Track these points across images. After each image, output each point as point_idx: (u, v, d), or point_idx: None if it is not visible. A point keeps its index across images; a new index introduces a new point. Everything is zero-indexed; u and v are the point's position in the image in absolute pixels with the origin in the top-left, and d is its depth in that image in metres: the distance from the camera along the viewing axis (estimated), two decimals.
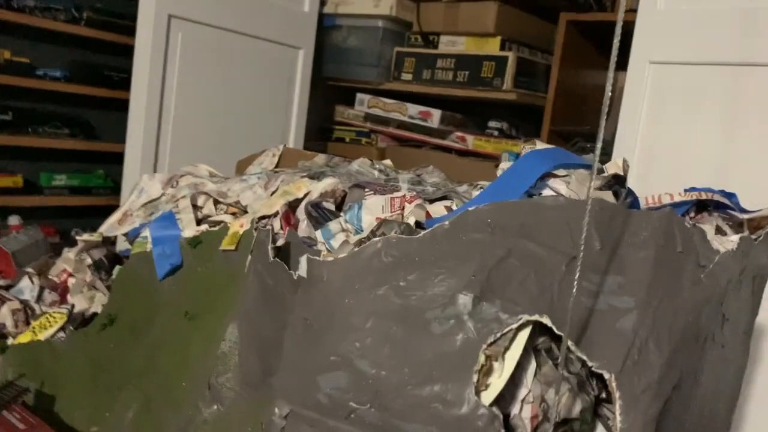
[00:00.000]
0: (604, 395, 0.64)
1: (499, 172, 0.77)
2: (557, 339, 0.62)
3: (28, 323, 1.24)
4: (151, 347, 1.08)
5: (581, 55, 2.36)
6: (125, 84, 2.09)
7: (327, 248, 1.01)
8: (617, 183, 0.76)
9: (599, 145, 0.52)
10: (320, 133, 2.73)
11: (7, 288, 1.33)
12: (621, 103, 1.87)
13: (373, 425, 0.56)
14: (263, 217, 1.15)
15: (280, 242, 1.01)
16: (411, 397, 0.57)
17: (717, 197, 0.83)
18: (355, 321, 0.62)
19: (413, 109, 2.48)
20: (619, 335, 0.60)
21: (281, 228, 1.12)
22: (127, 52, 2.06)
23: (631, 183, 0.85)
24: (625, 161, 0.77)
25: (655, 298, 0.62)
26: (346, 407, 0.58)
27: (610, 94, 0.56)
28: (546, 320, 0.59)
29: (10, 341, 1.17)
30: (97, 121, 2.36)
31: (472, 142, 2.45)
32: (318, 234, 1.06)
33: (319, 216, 1.10)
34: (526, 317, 0.59)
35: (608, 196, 0.72)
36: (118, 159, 2.11)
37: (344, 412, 0.58)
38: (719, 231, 0.82)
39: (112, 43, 2.24)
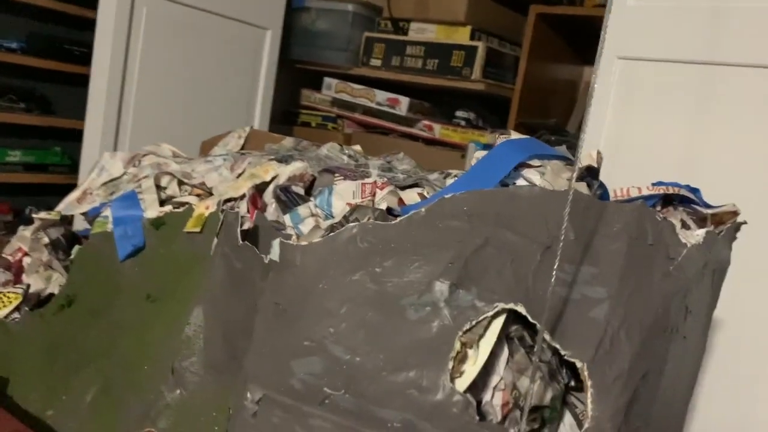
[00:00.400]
0: (573, 383, 0.65)
1: (473, 161, 0.77)
2: (529, 327, 0.62)
3: None
4: (112, 329, 1.06)
5: (550, 48, 2.38)
6: (85, 59, 2.03)
7: (296, 233, 1.00)
8: (590, 175, 0.76)
9: (584, 136, 0.52)
10: (286, 116, 2.70)
11: None
12: (586, 97, 1.89)
13: (347, 411, 0.56)
14: (229, 200, 1.13)
15: (247, 225, 0.99)
16: (386, 383, 0.56)
17: (683, 192, 0.85)
18: (330, 306, 0.62)
19: (381, 95, 2.47)
20: (592, 324, 0.60)
21: (248, 211, 1.10)
22: (89, 25, 1.99)
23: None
24: (599, 153, 0.78)
25: (626, 289, 0.62)
26: (320, 393, 0.57)
27: (596, 87, 0.56)
28: (521, 309, 0.59)
29: None
30: (55, 95, 2.28)
31: (439, 130, 2.46)
32: (287, 218, 1.05)
33: (288, 200, 1.09)
34: (501, 305, 0.59)
35: (582, 187, 0.73)
36: (76, 136, 2.05)
37: (318, 397, 0.57)
38: (684, 225, 0.84)
39: (73, 16, 2.16)
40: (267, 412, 0.59)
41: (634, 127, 1.65)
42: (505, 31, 2.47)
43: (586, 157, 0.77)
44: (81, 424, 0.98)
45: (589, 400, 0.58)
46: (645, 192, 0.84)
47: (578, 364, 0.59)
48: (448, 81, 2.35)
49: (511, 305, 0.59)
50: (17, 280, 1.27)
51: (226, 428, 0.75)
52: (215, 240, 1.00)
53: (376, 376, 0.57)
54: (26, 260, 1.28)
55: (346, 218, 0.83)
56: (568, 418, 0.66)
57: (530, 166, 0.77)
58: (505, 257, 0.61)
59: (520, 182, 0.75)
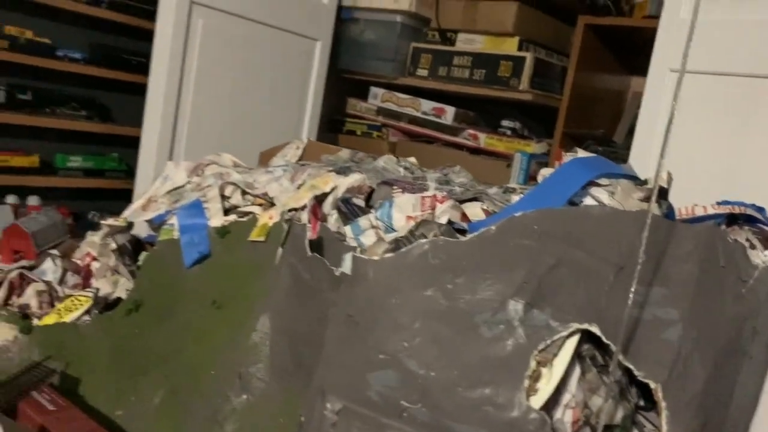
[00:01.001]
0: (642, 403, 0.65)
1: (539, 178, 0.78)
2: (601, 347, 0.63)
3: (52, 305, 1.25)
4: (177, 334, 1.09)
5: (597, 58, 2.37)
6: (143, 68, 2.09)
7: (357, 244, 1.03)
8: (659, 195, 0.77)
9: (663, 160, 0.54)
10: (332, 124, 2.74)
11: (31, 269, 1.34)
12: (634, 107, 1.87)
13: (425, 424, 0.58)
14: (291, 210, 1.16)
15: (308, 236, 1.02)
16: (461, 398, 0.58)
17: (749, 211, 0.85)
18: (403, 320, 0.64)
19: (427, 104, 2.49)
20: (665, 346, 0.61)
21: (309, 222, 1.13)
22: (147, 36, 2.06)
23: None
24: (669, 174, 0.79)
25: (699, 311, 0.63)
26: (397, 405, 0.59)
27: (675, 104, 0.57)
28: (595, 329, 0.60)
29: (35, 322, 1.18)
30: (114, 104, 2.36)
31: (484, 140, 2.46)
32: (347, 229, 1.07)
33: (349, 211, 1.11)
34: (576, 325, 0.60)
35: (652, 207, 0.74)
36: (133, 143, 2.11)
37: (396, 410, 0.59)
38: (750, 244, 0.84)
39: (133, 27, 2.23)
40: (346, 423, 0.61)
41: (685, 140, 1.64)
42: (552, 41, 2.47)
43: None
44: (149, 425, 1.01)
45: (663, 422, 0.59)
46: (710, 211, 0.85)
47: (652, 385, 0.60)
48: (495, 91, 2.35)
49: (585, 325, 0.60)
50: (85, 283, 1.33)
51: None
52: (280, 250, 1.04)
53: (452, 391, 0.59)
54: (94, 265, 1.34)
55: (412, 233, 0.85)
56: None
57: (598, 185, 0.78)
58: (578, 277, 0.63)
59: (588, 201, 0.76)
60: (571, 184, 0.75)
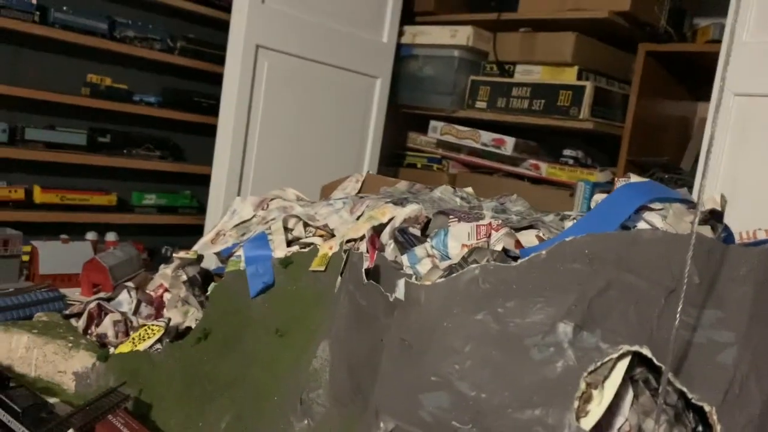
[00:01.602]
0: (701, 429, 0.64)
1: (593, 204, 0.79)
2: (655, 370, 0.63)
3: (127, 334, 1.32)
4: (243, 361, 1.13)
5: (659, 85, 2.34)
6: (213, 110, 2.20)
7: (413, 272, 1.05)
8: (714, 218, 0.76)
9: (704, 182, 0.54)
10: (392, 158, 2.79)
11: (108, 300, 1.42)
12: (700, 134, 1.83)
13: None
14: (350, 240, 1.20)
15: (366, 265, 1.05)
16: (512, 419, 0.59)
17: None
18: (455, 344, 0.65)
19: (486, 136, 2.51)
20: (720, 369, 0.60)
21: (367, 251, 1.16)
22: (216, 79, 2.18)
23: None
24: (722, 196, 0.78)
25: (755, 334, 0.62)
26: (448, 426, 0.61)
27: (714, 128, 0.58)
28: (646, 351, 0.60)
29: (111, 350, 1.25)
30: (186, 144, 2.49)
31: (545, 169, 2.46)
32: (404, 258, 1.10)
33: (405, 241, 1.14)
34: (626, 347, 0.60)
35: (706, 230, 0.73)
36: (203, 180, 2.22)
37: (447, 430, 0.61)
38: None
39: (203, 71, 2.37)
40: None
41: (752, 165, 1.59)
42: (612, 69, 2.45)
43: (709, 200, 0.77)
44: None
45: None
46: None
47: (706, 408, 0.59)
48: (555, 120, 2.35)
49: (636, 347, 0.60)
50: (158, 313, 1.40)
51: None
52: (339, 278, 1.07)
53: (502, 412, 0.60)
54: (166, 296, 1.41)
55: (465, 259, 0.87)
56: None
57: (651, 209, 0.78)
58: (629, 300, 0.63)
59: (641, 225, 0.76)
60: (623, 209, 0.75)
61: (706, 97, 1.95)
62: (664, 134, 2.40)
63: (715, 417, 0.58)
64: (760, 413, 0.59)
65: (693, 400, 0.60)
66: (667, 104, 2.40)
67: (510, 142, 2.48)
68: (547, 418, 0.58)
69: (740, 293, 0.64)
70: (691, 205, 0.77)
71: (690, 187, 1.76)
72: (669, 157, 2.35)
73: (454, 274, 0.70)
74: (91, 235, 1.96)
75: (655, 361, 0.60)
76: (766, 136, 1.61)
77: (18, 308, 1.36)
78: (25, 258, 1.71)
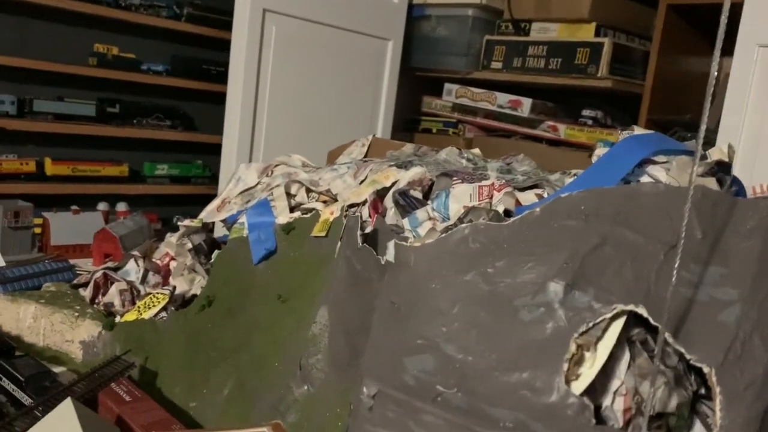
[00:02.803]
0: (703, 391, 0.61)
1: (594, 159, 0.75)
2: (653, 330, 0.59)
3: (133, 303, 1.32)
4: (246, 328, 1.12)
5: (682, 40, 2.25)
6: (222, 77, 2.18)
7: (414, 236, 1.02)
8: (721, 170, 0.72)
9: (703, 127, 0.50)
10: (407, 123, 2.74)
11: (116, 270, 1.42)
12: (725, 90, 1.76)
13: (459, 409, 0.56)
14: (352, 205, 1.17)
15: (368, 229, 1.03)
16: (498, 382, 0.56)
17: None
18: (442, 306, 0.63)
19: (502, 98, 2.45)
20: (721, 328, 0.57)
21: (369, 216, 1.13)
22: (225, 46, 2.14)
23: (736, 173, 0.80)
24: (730, 147, 0.73)
25: (761, 291, 0.58)
26: (432, 390, 0.58)
27: (715, 74, 0.54)
28: (642, 310, 0.57)
29: (117, 319, 1.25)
30: (196, 113, 2.47)
31: (564, 131, 2.39)
32: (405, 222, 1.07)
33: (407, 204, 1.11)
34: (620, 307, 0.57)
35: (711, 183, 0.69)
36: (215, 150, 2.21)
37: (431, 394, 0.58)
38: None
39: (210, 38, 2.33)
40: (382, 407, 0.61)
41: None
42: (632, 25, 2.36)
43: (715, 151, 0.73)
44: (219, 416, 1.05)
45: (717, 408, 0.54)
46: None
47: (705, 370, 0.56)
48: (573, 80, 2.28)
49: (630, 307, 0.57)
50: (165, 282, 1.39)
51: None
52: (339, 243, 1.05)
53: (489, 375, 0.57)
54: (173, 264, 1.40)
55: (460, 220, 0.84)
56: (698, 427, 0.62)
57: (655, 163, 0.73)
58: (624, 257, 0.59)
59: (644, 179, 0.72)
60: (625, 163, 0.71)
61: (732, 52, 1.87)
62: (687, 92, 2.31)
63: (714, 379, 0.55)
64: (764, 374, 0.55)
65: (691, 362, 0.57)
66: (689, 60, 2.31)
67: (527, 103, 2.41)
68: (535, 381, 0.55)
69: (746, 248, 0.60)
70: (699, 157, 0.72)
71: (713, 145, 1.69)
72: (692, 115, 2.26)
73: (443, 235, 0.67)
74: (102, 206, 1.97)
75: (651, 320, 0.57)
76: None
77: (26, 278, 1.36)
78: (38, 230, 1.72)
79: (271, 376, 1.02)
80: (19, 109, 1.95)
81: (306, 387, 0.95)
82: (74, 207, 1.76)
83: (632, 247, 0.60)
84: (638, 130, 0.78)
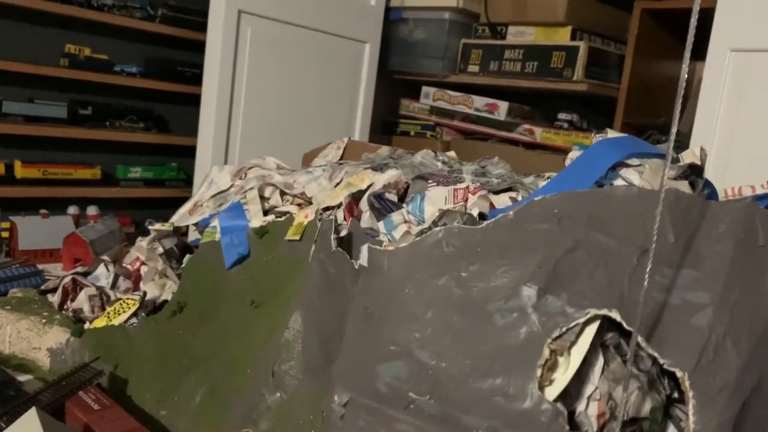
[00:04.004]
0: (676, 395, 0.61)
1: (567, 162, 0.74)
2: (627, 335, 0.59)
3: (103, 309, 1.29)
4: (218, 334, 1.11)
5: (657, 44, 2.27)
6: (197, 79, 2.15)
7: (389, 239, 1.01)
8: (694, 173, 0.72)
9: (674, 129, 0.50)
10: (385, 126, 2.74)
11: (85, 275, 1.39)
12: (699, 95, 1.78)
13: (432, 416, 0.55)
14: (327, 208, 1.16)
15: (343, 233, 1.01)
16: (472, 389, 0.56)
17: None
18: (416, 311, 0.62)
19: (479, 101, 2.45)
20: (693, 332, 0.57)
21: (344, 219, 1.12)
22: (199, 47, 2.12)
23: (709, 176, 0.80)
24: (702, 150, 0.73)
25: (733, 294, 0.58)
26: (405, 397, 0.57)
27: (686, 77, 0.53)
28: (615, 315, 0.56)
29: (87, 325, 1.22)
30: (170, 115, 2.44)
31: (540, 134, 2.40)
32: (380, 225, 1.06)
33: (382, 207, 1.10)
34: (594, 311, 0.56)
35: (684, 186, 0.69)
36: (190, 152, 2.17)
37: (403, 402, 0.57)
38: None
39: (185, 39, 2.30)
40: (353, 416, 0.60)
41: (749, 122, 1.54)
42: (608, 29, 2.38)
43: (688, 154, 0.73)
44: (191, 424, 1.03)
45: (690, 412, 0.54)
46: (759, 191, 0.78)
47: (678, 374, 0.56)
48: (549, 83, 2.29)
49: (604, 311, 0.56)
50: (136, 287, 1.36)
51: None
52: (313, 247, 1.03)
53: (462, 382, 0.56)
54: (143, 269, 1.37)
55: (435, 223, 0.83)
56: (672, 431, 0.62)
57: (628, 166, 0.73)
58: (598, 261, 0.59)
59: (618, 182, 0.72)
60: (598, 166, 0.71)
61: (705, 57, 1.89)
62: (662, 95, 2.33)
63: (687, 383, 0.55)
64: (736, 378, 0.55)
65: (664, 366, 0.57)
66: (664, 64, 2.33)
67: (503, 106, 2.42)
68: (508, 387, 0.55)
69: (718, 251, 0.60)
70: (671, 160, 0.72)
71: (687, 148, 1.71)
72: (667, 118, 2.28)
73: (417, 239, 0.66)
74: (72, 210, 1.93)
75: (624, 325, 0.57)
76: (764, 92, 1.55)
77: None
78: (5, 234, 1.68)
79: (244, 383, 1.00)
80: None
81: (279, 394, 0.93)
82: (43, 211, 1.72)
83: (606, 251, 0.59)
84: (612, 133, 0.78)
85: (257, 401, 0.95)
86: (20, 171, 1.97)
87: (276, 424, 0.92)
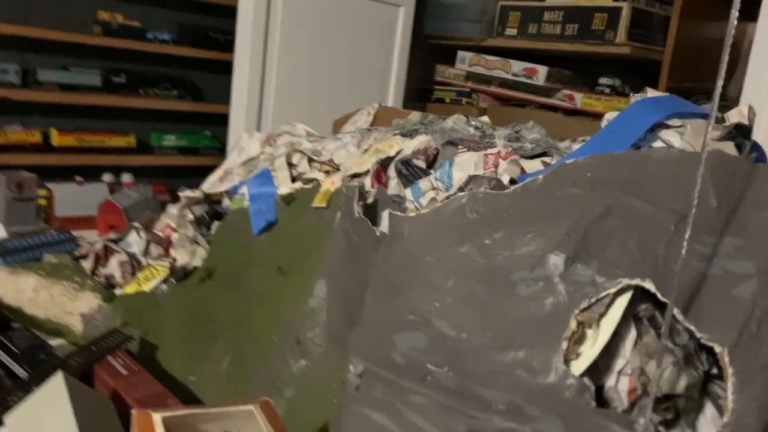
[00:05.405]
0: (715, 371, 0.57)
1: (603, 123, 0.70)
2: (662, 306, 0.55)
3: (134, 274, 1.29)
4: (245, 301, 1.10)
5: (705, 4, 2.16)
6: (229, 46, 2.13)
7: (416, 206, 0.98)
8: (741, 134, 0.67)
9: (720, 83, 0.45)
10: (419, 93, 2.68)
11: (117, 241, 1.40)
12: (749, 58, 1.68)
13: (449, 389, 0.53)
14: (355, 175, 1.14)
15: (370, 200, 0.99)
16: (492, 362, 0.53)
17: None
18: (436, 279, 0.59)
19: (517, 66, 2.37)
20: (735, 304, 0.53)
21: (372, 186, 1.09)
22: (231, 13, 2.09)
23: (758, 139, 0.75)
24: (751, 109, 0.68)
25: None
26: (422, 369, 0.55)
27: (733, 32, 0.48)
28: (649, 285, 0.53)
29: (117, 291, 1.23)
30: (204, 82, 2.43)
31: (580, 100, 2.32)
32: (407, 192, 1.03)
33: (410, 174, 1.07)
34: (625, 281, 0.53)
35: (729, 148, 0.64)
36: (223, 120, 2.17)
37: (420, 373, 0.55)
38: None
39: (217, 5, 2.28)
40: (369, 387, 0.58)
41: None
42: None
43: (734, 113, 0.67)
44: (218, 390, 1.03)
45: (729, 390, 0.50)
46: None
47: (717, 349, 0.52)
48: (590, 46, 2.20)
49: (637, 281, 0.53)
50: (167, 254, 1.37)
51: None
52: (338, 214, 1.01)
53: (482, 354, 0.53)
54: (174, 235, 1.38)
55: (461, 189, 0.80)
56: (710, 409, 0.58)
57: (669, 127, 0.68)
58: (631, 228, 0.55)
59: (657, 145, 0.67)
60: (636, 127, 0.66)
61: (756, 17, 1.78)
62: (709, 59, 2.22)
63: (726, 359, 0.51)
64: None
65: (702, 341, 0.53)
66: (712, 26, 2.22)
67: (542, 71, 2.34)
68: (531, 360, 0.52)
69: (765, 218, 0.55)
70: (716, 120, 0.67)
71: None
72: (713, 83, 2.18)
73: (439, 204, 0.63)
74: (107, 177, 1.94)
75: (659, 296, 0.53)
76: None
77: (27, 250, 1.35)
78: (42, 202, 1.71)
79: (270, 351, 1.00)
80: (24, 78, 1.92)
81: (303, 362, 0.92)
82: (78, 178, 1.74)
83: (640, 217, 0.55)
84: (651, 93, 0.73)
85: (282, 369, 0.95)
86: (56, 139, 1.99)
87: (301, 392, 0.92)
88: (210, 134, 2.43)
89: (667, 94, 0.72)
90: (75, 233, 1.57)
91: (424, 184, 1.00)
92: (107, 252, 1.33)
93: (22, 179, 1.62)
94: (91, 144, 2.02)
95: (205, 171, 2.39)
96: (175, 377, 1.08)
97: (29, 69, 1.95)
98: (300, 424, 0.85)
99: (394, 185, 1.06)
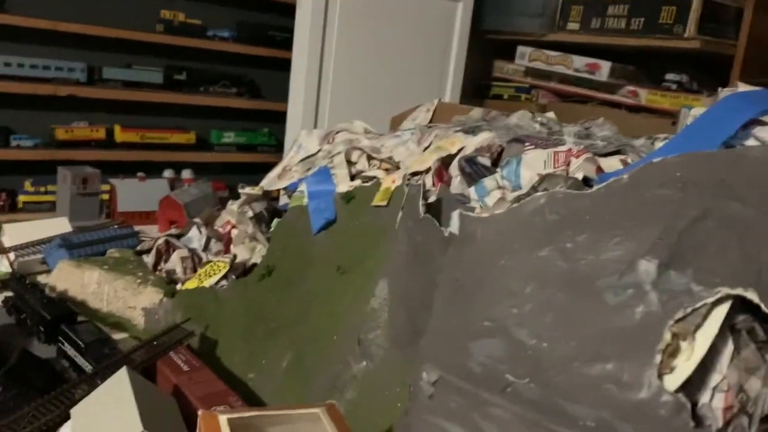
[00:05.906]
0: None
1: (690, 120, 0.65)
2: (763, 318, 0.51)
3: (195, 270, 1.30)
4: (305, 299, 1.09)
5: None
6: (288, 43, 2.13)
7: (481, 206, 0.95)
8: None
9: None
10: (477, 89, 2.64)
11: (178, 237, 1.41)
12: None
13: (532, 402, 0.50)
14: (416, 173, 1.11)
15: (431, 199, 0.96)
16: (578, 374, 0.49)
17: None
18: (513, 285, 0.56)
19: (579, 61, 2.31)
20: None
21: (433, 184, 1.07)
22: (290, 11, 2.09)
23: None
24: None
25: None
26: (501, 379, 0.52)
27: None
28: (752, 295, 0.48)
29: (179, 287, 1.24)
30: (262, 80, 2.45)
31: (645, 96, 2.24)
32: (472, 191, 1.00)
33: (474, 172, 1.04)
34: (725, 290, 0.48)
35: None
36: (281, 117, 2.17)
37: (499, 384, 0.52)
38: None
39: (276, 3, 2.29)
40: (444, 396, 0.55)
41: None
42: None
43: None
44: (276, 389, 1.02)
45: None
46: None
47: None
48: (657, 41, 2.12)
49: (738, 290, 0.49)
50: (227, 250, 1.37)
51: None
52: (400, 213, 0.99)
53: (567, 365, 0.50)
54: (234, 232, 1.38)
55: (534, 188, 0.76)
56: None
57: (763, 123, 0.64)
58: (730, 232, 0.51)
59: (750, 142, 0.63)
60: (728, 124, 0.62)
61: None
62: None
63: None
64: None
65: None
66: None
67: (605, 66, 2.27)
68: (621, 373, 0.48)
69: None
70: None
71: None
72: None
73: (515, 205, 0.59)
74: (168, 173, 1.97)
75: (763, 307, 0.49)
76: None
77: (91, 244, 1.37)
78: (105, 197, 1.74)
79: (329, 351, 0.98)
80: (89, 76, 1.97)
81: (365, 363, 0.90)
82: (140, 174, 1.77)
83: (739, 222, 0.51)
84: (742, 87, 0.68)
85: (343, 370, 0.93)
86: (120, 135, 2.03)
87: (362, 393, 0.90)
88: (268, 131, 2.44)
89: (759, 88, 0.67)
90: (136, 228, 1.60)
91: (489, 182, 0.97)
92: (169, 247, 1.35)
93: (87, 175, 1.66)
94: (152, 140, 2.06)
95: (263, 168, 2.41)
96: (234, 374, 1.07)
97: (95, 67, 2.00)
98: (362, 427, 0.83)
99: (456, 183, 1.03)
